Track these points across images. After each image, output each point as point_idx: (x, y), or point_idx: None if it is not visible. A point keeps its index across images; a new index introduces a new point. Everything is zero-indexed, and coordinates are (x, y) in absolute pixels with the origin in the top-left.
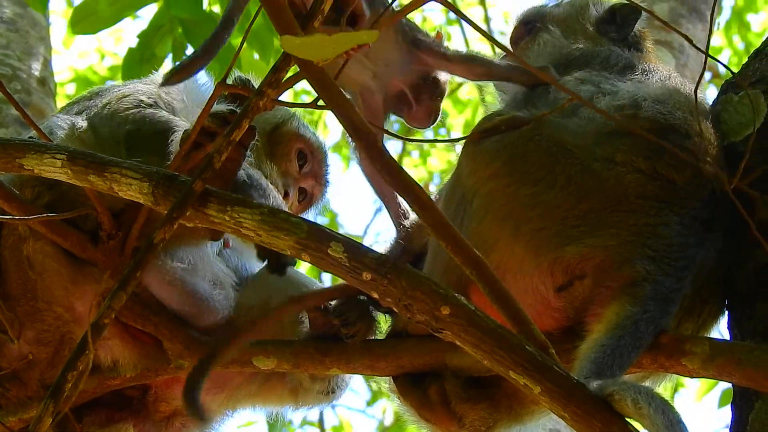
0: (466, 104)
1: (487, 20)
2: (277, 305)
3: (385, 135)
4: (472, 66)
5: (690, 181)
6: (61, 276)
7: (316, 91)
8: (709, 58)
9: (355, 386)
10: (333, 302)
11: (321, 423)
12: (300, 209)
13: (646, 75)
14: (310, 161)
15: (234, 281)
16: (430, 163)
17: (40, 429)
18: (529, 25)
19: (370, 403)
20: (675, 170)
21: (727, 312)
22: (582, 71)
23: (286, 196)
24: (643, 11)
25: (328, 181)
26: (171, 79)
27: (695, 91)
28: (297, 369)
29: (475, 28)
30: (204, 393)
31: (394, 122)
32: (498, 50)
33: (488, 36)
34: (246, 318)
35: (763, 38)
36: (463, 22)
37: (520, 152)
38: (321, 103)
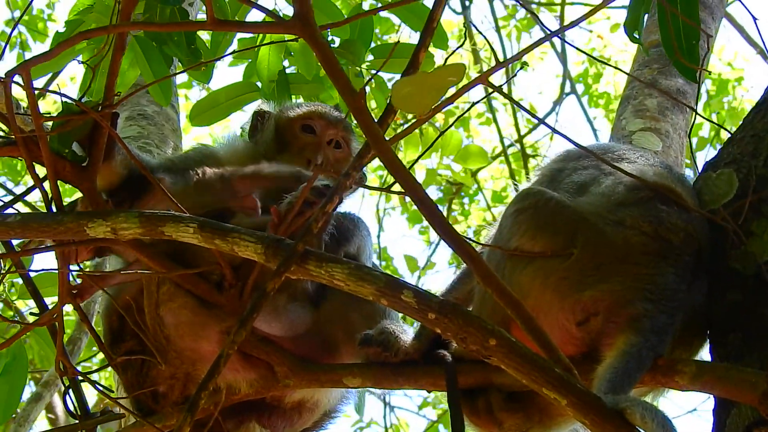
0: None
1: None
2: None
3: None
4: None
5: (683, 240)
6: (191, 324)
7: (385, 167)
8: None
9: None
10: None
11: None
12: (340, 162)
13: (637, 159)
14: (317, 126)
15: (308, 288)
16: (471, 221)
17: None
18: None
19: (420, 408)
20: (671, 233)
21: (708, 340)
22: (580, 161)
23: (316, 165)
24: None
25: (346, 126)
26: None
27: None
28: (376, 386)
29: (520, 108)
30: None
31: None
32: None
33: (534, 115)
34: (329, 327)
35: (738, 127)
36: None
37: (549, 221)
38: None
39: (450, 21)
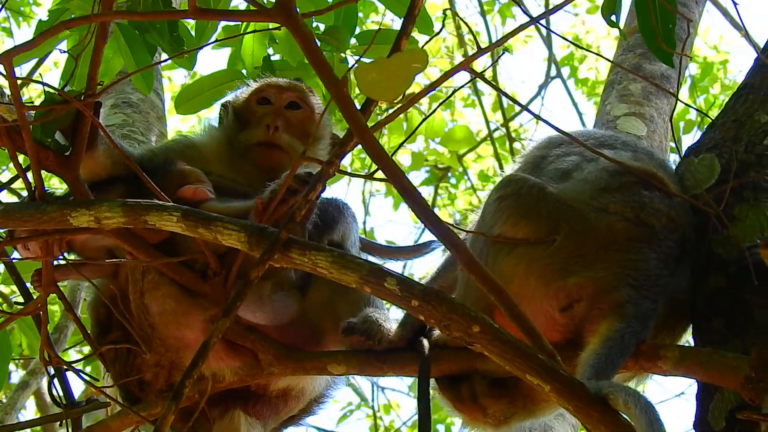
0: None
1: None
2: None
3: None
4: None
5: (665, 226)
6: (175, 312)
7: (368, 156)
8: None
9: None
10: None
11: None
12: (303, 122)
13: (619, 145)
14: (270, 95)
15: (292, 277)
16: (457, 204)
17: (165, 424)
18: None
19: (411, 388)
20: (654, 218)
21: (691, 325)
22: (563, 148)
23: (276, 130)
24: None
25: (298, 87)
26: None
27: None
28: (361, 374)
29: (503, 95)
30: None
31: None
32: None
33: (517, 102)
34: (315, 315)
35: (718, 112)
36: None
37: (533, 208)
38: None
39: (434, 4)
